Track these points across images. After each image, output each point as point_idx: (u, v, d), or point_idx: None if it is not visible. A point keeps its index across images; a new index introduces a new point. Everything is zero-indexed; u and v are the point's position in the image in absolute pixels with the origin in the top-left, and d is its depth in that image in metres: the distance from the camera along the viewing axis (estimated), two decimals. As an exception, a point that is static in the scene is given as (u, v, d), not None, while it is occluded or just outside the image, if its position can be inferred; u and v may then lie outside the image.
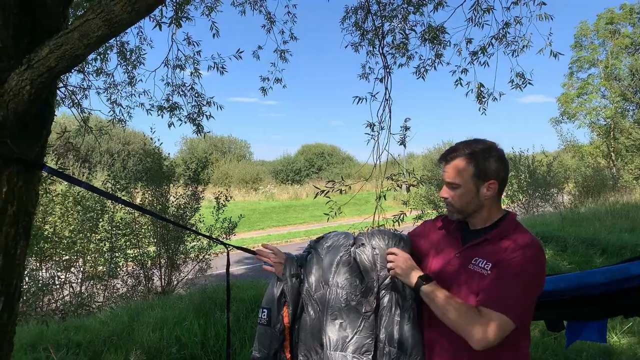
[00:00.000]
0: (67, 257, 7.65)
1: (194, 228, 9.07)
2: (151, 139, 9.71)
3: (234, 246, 2.34)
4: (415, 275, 1.75)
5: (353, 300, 1.82)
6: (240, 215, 9.74)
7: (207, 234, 9.06)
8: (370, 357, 1.78)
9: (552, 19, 4.85)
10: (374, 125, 4.42)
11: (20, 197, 1.60)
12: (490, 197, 1.75)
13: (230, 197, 9.75)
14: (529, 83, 5.16)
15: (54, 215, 7.82)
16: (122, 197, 8.46)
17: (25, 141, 1.58)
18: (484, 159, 1.73)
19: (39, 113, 1.61)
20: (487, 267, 1.66)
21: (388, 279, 1.84)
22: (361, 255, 1.87)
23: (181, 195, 9.27)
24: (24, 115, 1.52)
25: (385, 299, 1.83)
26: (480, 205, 1.76)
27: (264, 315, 2.02)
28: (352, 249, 1.91)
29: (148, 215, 8.55)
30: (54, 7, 1.63)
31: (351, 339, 1.79)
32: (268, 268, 2.07)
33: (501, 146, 1.81)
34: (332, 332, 1.82)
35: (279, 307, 1.99)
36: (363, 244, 1.91)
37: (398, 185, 4.43)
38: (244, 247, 2.40)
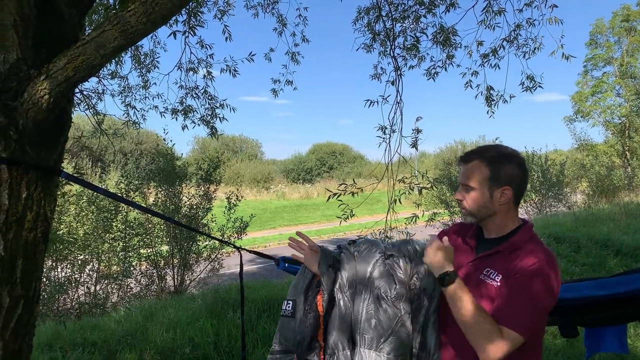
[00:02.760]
0: (82, 257, 7.76)
1: (205, 228, 9.18)
2: (164, 139, 9.82)
3: (247, 250, 2.36)
4: (440, 270, 1.67)
5: (388, 303, 1.83)
6: (252, 215, 9.79)
7: (219, 233, 9.15)
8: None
9: (562, 22, 4.86)
10: (386, 128, 4.44)
11: (39, 203, 1.64)
12: (504, 204, 1.72)
13: (242, 197, 9.81)
14: (539, 86, 5.15)
15: (68, 215, 7.93)
16: (135, 198, 8.57)
17: (43, 148, 1.62)
18: (501, 164, 1.70)
19: (57, 121, 1.64)
20: (497, 278, 1.64)
21: (418, 286, 1.86)
22: (393, 265, 1.90)
23: (193, 195, 9.35)
24: (43, 123, 1.56)
25: (414, 304, 1.85)
26: (493, 211, 1.73)
27: (288, 307, 1.98)
28: (383, 258, 1.93)
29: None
30: (71, 18, 1.67)
31: (386, 339, 1.79)
32: (299, 256, 2.02)
33: (522, 155, 1.78)
34: (367, 331, 1.82)
35: (309, 297, 1.96)
36: (393, 255, 1.93)
37: (411, 188, 4.44)
38: (257, 250, 2.43)
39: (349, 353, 1.86)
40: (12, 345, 1.57)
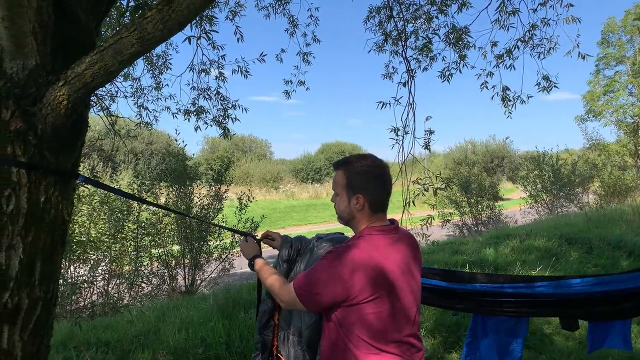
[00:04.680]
0: (95, 257, 7.82)
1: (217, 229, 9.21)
2: (176, 140, 9.87)
3: (258, 239, 2.42)
4: (248, 258, 2.23)
5: None
6: (263, 215, 9.82)
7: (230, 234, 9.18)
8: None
9: (579, 21, 4.79)
10: (398, 130, 4.42)
11: (57, 206, 1.66)
12: (358, 210, 1.89)
13: (253, 198, 9.86)
14: (555, 86, 5.09)
15: (81, 215, 7.99)
16: (148, 198, 8.63)
17: (61, 152, 1.64)
18: (355, 174, 1.88)
19: (74, 126, 1.66)
20: None
21: None
22: None
23: (205, 196, 9.39)
24: (61, 128, 1.58)
25: None
26: (352, 216, 1.92)
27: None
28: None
29: (172, 215, 8.69)
30: (88, 24, 1.69)
31: (307, 328, 2.11)
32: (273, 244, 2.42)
33: (386, 169, 1.94)
34: (297, 319, 2.15)
35: None
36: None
37: (425, 189, 4.41)
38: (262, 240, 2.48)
39: (288, 334, 2.20)
40: (30, 347, 1.59)
